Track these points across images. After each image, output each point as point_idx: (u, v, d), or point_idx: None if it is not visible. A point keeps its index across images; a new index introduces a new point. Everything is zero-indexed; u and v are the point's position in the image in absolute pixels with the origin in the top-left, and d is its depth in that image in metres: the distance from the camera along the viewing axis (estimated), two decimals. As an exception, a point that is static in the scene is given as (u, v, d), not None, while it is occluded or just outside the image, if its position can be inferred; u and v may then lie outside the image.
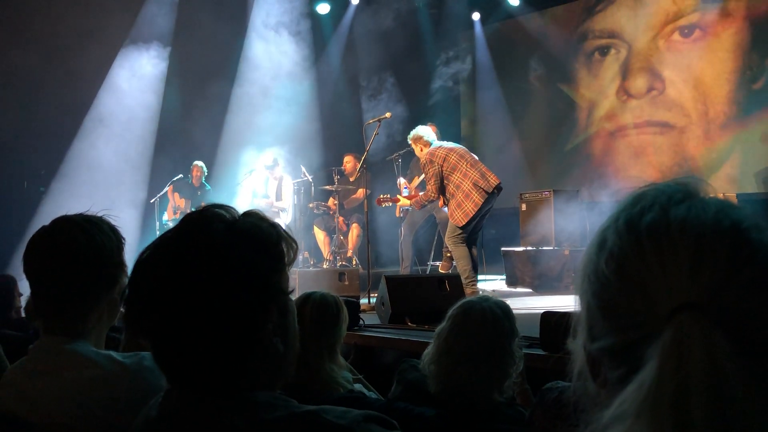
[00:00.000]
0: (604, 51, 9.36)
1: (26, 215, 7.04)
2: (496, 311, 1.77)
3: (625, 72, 9.08)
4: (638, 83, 8.95)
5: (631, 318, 0.57)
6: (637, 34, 8.95)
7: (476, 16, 10.05)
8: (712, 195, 0.61)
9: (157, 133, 8.53)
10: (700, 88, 8.40)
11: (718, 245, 0.56)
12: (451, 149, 5.58)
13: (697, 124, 8.44)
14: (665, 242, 0.57)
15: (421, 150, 5.73)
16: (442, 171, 5.50)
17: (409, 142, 5.84)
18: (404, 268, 6.36)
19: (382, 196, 6.22)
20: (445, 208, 6.24)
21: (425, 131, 5.79)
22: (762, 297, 0.55)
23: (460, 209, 5.44)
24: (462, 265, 5.47)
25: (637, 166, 8.81)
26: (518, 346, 1.81)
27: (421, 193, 5.78)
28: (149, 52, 8.29)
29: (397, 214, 6.85)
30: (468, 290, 5.25)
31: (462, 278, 5.31)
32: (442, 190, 5.56)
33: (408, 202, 5.99)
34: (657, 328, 0.54)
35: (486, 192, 5.44)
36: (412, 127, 5.91)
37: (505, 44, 10.14)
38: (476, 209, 5.40)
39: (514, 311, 1.89)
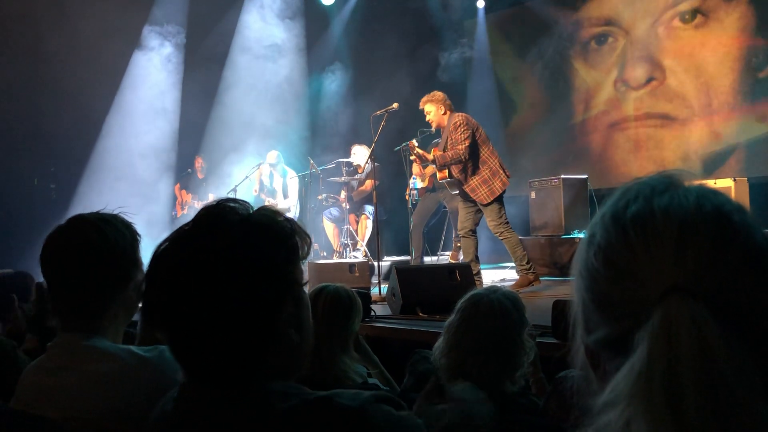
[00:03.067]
0: (600, 39, 8.95)
1: (38, 212, 7.10)
2: (504, 302, 1.76)
3: (623, 61, 8.67)
4: (637, 73, 8.52)
5: (622, 307, 0.59)
6: (635, 21, 8.52)
7: (481, 3, 9.96)
8: (696, 183, 0.63)
9: (179, 126, 8.55)
10: (702, 78, 7.96)
11: (701, 228, 0.57)
12: (478, 124, 5.30)
13: (699, 116, 8.00)
14: (650, 230, 0.59)
15: (445, 113, 5.35)
16: (474, 138, 5.18)
17: (427, 103, 5.37)
18: (414, 259, 6.36)
19: (414, 142, 5.48)
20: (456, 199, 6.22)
21: (444, 96, 5.40)
22: (747, 277, 0.56)
23: (486, 186, 5.16)
24: (519, 252, 5.19)
25: (638, 161, 8.42)
26: (529, 336, 1.81)
27: (450, 153, 5.16)
28: (163, 45, 8.31)
29: (408, 200, 6.84)
30: (530, 276, 5.15)
31: (520, 266, 5.19)
32: (471, 158, 5.17)
33: (430, 157, 5.33)
34: (648, 315, 0.56)
35: (508, 178, 5.22)
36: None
37: (505, 32, 9.90)
38: (503, 189, 5.18)
39: (525, 299, 1.89)
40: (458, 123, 5.19)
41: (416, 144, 5.42)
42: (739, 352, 0.53)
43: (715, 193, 0.61)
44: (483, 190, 5.17)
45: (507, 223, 5.22)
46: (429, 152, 5.52)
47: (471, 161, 5.19)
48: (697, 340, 0.52)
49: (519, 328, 1.76)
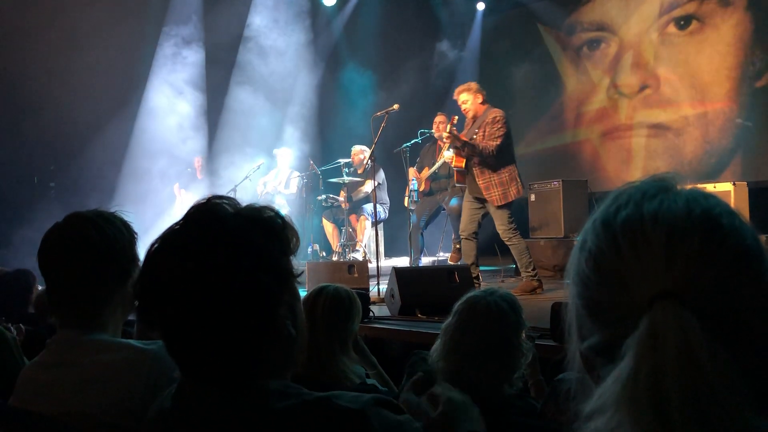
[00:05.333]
0: (592, 45, 8.76)
1: (38, 211, 7.08)
2: (501, 305, 1.75)
3: (616, 68, 8.48)
4: (630, 80, 8.34)
5: (613, 314, 0.58)
6: (629, 27, 8.35)
7: (480, 6, 9.95)
8: (688, 187, 0.62)
9: (184, 124, 8.54)
10: (697, 86, 7.76)
11: (690, 232, 0.57)
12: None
13: (694, 126, 7.80)
14: (639, 236, 0.58)
15: (483, 103, 5.21)
16: (506, 139, 5.04)
17: (463, 92, 5.23)
18: (414, 260, 6.36)
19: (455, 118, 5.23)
20: (454, 201, 6.22)
21: (479, 86, 5.30)
22: (735, 281, 0.56)
23: (501, 188, 5.05)
24: (525, 260, 5.13)
25: (630, 171, 8.23)
26: (528, 338, 1.80)
27: (484, 143, 4.98)
28: (172, 44, 8.33)
29: (407, 201, 6.85)
30: (534, 282, 5.10)
31: (525, 272, 5.13)
32: (497, 156, 5.01)
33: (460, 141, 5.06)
34: (637, 322, 0.55)
35: (522, 188, 5.18)
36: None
37: (501, 36, 9.81)
38: (516, 197, 5.13)
39: (524, 302, 1.89)
40: (498, 118, 5.07)
41: (455, 123, 5.20)
42: (725, 359, 0.52)
43: (705, 196, 0.61)
44: (498, 191, 5.08)
45: (516, 229, 5.16)
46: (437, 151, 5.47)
47: (495, 159, 5.06)
48: (683, 348, 0.52)
49: (516, 330, 1.75)
